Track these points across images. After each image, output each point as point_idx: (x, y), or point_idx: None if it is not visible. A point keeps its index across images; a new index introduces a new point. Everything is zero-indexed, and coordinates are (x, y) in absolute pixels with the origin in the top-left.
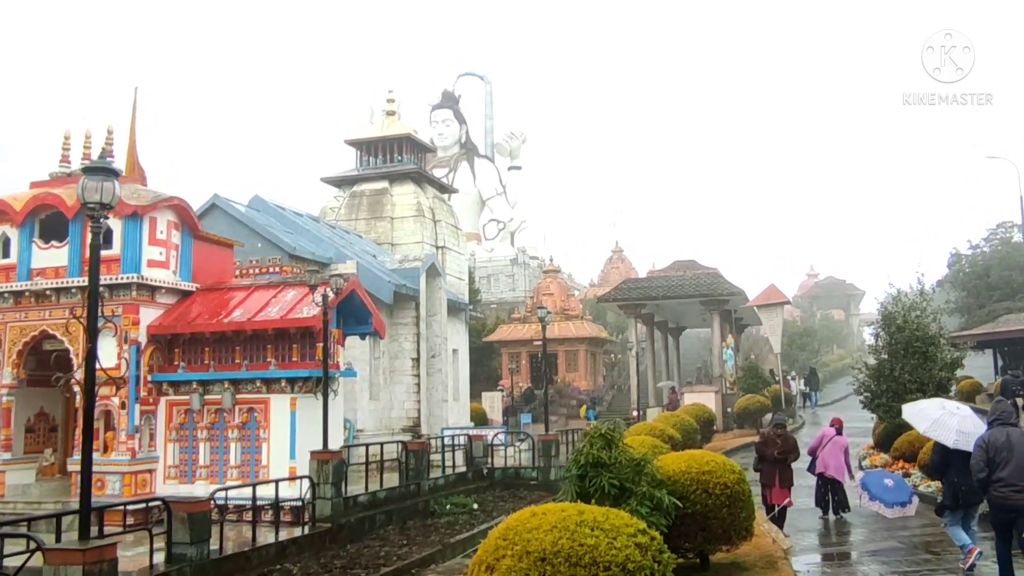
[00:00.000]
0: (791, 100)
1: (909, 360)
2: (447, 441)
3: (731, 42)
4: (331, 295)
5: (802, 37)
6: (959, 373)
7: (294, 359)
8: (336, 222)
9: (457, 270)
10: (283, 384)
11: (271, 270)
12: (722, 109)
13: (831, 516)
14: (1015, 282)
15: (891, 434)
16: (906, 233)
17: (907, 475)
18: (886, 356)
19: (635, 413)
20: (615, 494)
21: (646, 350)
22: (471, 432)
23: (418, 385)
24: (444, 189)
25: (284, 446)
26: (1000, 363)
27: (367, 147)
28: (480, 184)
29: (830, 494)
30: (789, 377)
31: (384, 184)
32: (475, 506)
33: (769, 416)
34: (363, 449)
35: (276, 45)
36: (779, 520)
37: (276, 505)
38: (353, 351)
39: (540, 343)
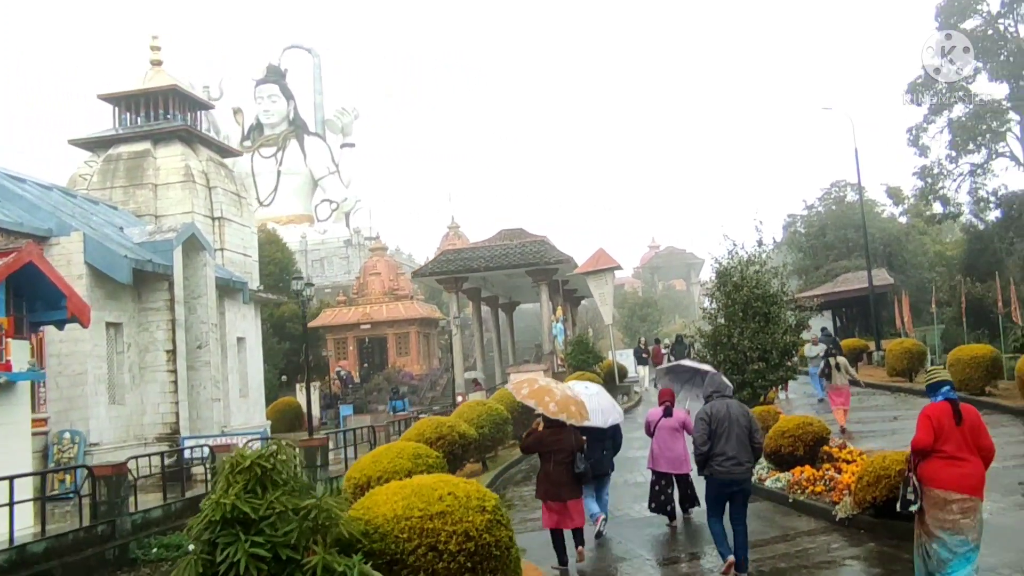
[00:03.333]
0: (626, 69)
1: (749, 324)
2: (190, 454)
3: (560, 8)
4: None
5: None
6: (805, 336)
7: None
8: (88, 191)
9: (241, 245)
10: None
11: None
12: (562, 82)
13: (679, 522)
14: (851, 240)
15: None
16: (745, 199)
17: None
18: (723, 321)
19: (460, 398)
20: (269, 571)
21: (472, 328)
22: (213, 442)
23: (175, 383)
24: (225, 152)
25: None
26: (839, 324)
27: (126, 103)
28: (311, 163)
29: (669, 492)
30: (662, 347)
31: (146, 145)
32: (191, 547)
33: None
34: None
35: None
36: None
37: None
38: (84, 344)
39: (367, 326)
